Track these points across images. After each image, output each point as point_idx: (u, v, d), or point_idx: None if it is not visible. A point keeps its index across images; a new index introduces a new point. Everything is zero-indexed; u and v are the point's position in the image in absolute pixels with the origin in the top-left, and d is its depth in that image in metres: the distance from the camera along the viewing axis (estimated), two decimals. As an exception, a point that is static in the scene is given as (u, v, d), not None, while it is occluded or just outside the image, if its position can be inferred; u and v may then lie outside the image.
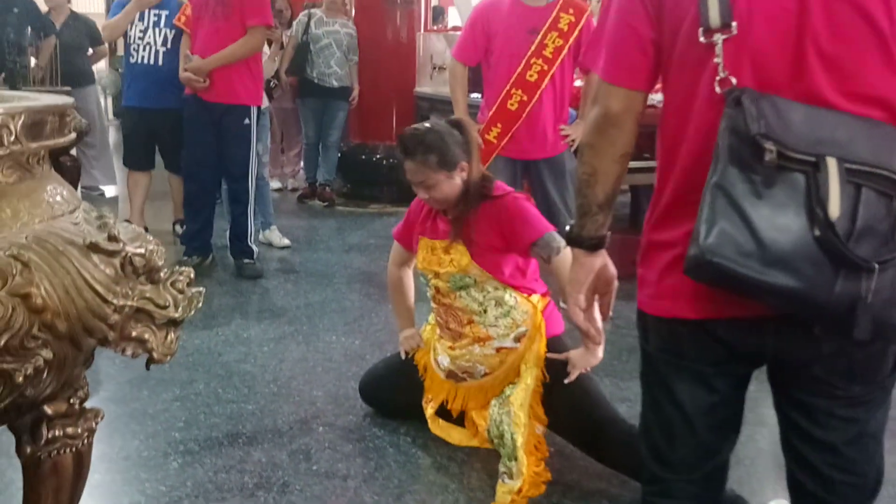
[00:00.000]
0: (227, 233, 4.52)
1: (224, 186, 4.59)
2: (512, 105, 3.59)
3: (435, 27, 7.40)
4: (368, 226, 5.76)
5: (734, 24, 1.17)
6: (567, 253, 2.27)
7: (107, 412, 2.48)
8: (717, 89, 1.17)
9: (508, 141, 3.64)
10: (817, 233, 1.09)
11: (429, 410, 2.59)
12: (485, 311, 2.41)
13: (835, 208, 1.09)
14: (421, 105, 6.41)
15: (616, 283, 1.44)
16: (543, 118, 3.61)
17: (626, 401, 2.88)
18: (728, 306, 1.21)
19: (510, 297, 2.41)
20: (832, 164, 1.11)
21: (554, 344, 2.40)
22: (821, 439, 1.32)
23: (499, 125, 3.63)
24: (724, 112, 1.15)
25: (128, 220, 5.12)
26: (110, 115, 12.24)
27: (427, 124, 2.47)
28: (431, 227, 2.52)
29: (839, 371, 1.26)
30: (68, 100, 1.36)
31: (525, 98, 3.57)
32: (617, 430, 2.32)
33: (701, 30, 1.18)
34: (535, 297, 2.45)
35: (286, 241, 5.03)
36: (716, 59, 1.17)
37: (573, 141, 3.71)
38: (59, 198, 1.30)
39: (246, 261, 4.45)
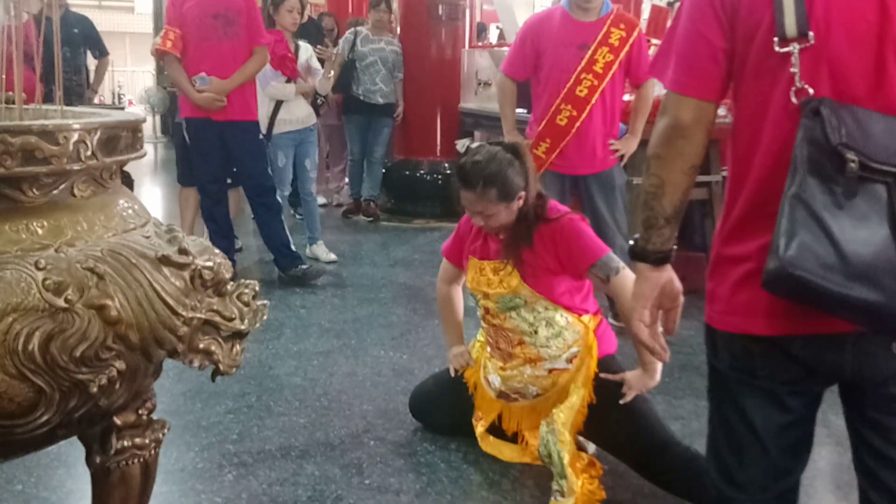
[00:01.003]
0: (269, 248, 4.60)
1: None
2: (561, 120, 3.57)
3: (479, 43, 7.42)
4: (412, 241, 5.78)
5: (811, 33, 1.14)
6: (625, 274, 2.24)
7: (161, 425, 2.45)
8: (794, 99, 1.15)
9: (557, 156, 3.61)
10: None
11: (479, 428, 2.57)
12: (535, 332, 2.39)
13: None
14: (466, 121, 6.42)
15: (682, 299, 1.41)
16: (593, 133, 3.58)
17: (679, 419, 2.84)
18: (804, 322, 1.18)
19: (561, 317, 2.38)
20: None
21: (606, 363, 2.37)
22: None
23: (548, 140, 3.61)
24: (800, 122, 1.13)
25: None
26: (158, 133, 12.52)
27: (486, 151, 2.34)
28: (482, 248, 2.49)
29: None
30: (140, 115, 1.39)
31: (575, 113, 3.54)
32: (672, 454, 2.27)
33: (776, 39, 1.16)
34: (587, 317, 2.41)
35: (332, 256, 5.07)
36: (792, 69, 1.15)
37: (622, 156, 3.69)
38: (130, 211, 1.32)
39: (301, 267, 4.54)
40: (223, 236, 4.50)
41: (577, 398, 2.34)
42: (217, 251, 1.36)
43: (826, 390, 1.35)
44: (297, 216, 5.79)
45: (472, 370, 2.64)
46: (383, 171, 6.41)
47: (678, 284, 1.39)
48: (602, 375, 2.32)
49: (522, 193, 2.34)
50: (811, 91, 1.15)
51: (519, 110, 3.91)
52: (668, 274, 1.37)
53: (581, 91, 3.54)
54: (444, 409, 2.72)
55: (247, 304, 1.37)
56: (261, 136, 4.44)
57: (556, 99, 3.56)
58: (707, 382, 1.40)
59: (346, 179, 6.81)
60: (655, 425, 2.34)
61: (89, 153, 1.20)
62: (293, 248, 4.59)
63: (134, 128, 1.32)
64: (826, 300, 1.09)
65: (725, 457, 1.37)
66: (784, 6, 1.15)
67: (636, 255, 1.38)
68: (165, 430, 1.46)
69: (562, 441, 2.28)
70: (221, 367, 1.36)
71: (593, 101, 3.54)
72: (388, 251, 5.46)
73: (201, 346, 1.33)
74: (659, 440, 2.31)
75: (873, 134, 1.10)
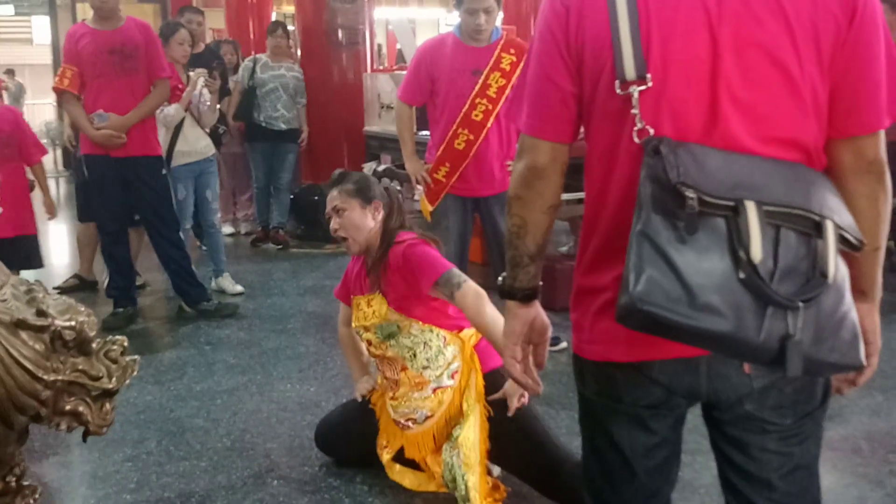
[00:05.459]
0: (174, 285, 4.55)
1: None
2: (459, 144, 3.62)
3: (396, 67, 7.42)
4: (323, 267, 5.73)
5: (649, 75, 1.19)
6: (467, 287, 2.31)
7: (56, 477, 2.43)
8: (636, 139, 1.20)
9: (457, 179, 3.67)
10: (741, 275, 1.10)
11: (385, 456, 2.57)
12: (414, 356, 2.45)
13: (757, 250, 1.11)
14: (371, 144, 6.43)
15: (550, 333, 1.44)
16: (490, 156, 3.65)
17: (582, 434, 2.89)
18: (661, 348, 1.22)
19: (437, 336, 2.45)
20: (751, 207, 1.12)
21: (493, 377, 2.42)
22: (756, 474, 1.33)
23: (447, 164, 3.66)
24: (643, 161, 1.17)
25: (77, 274, 5.05)
26: (60, 167, 12.08)
27: None
28: (359, 285, 2.60)
29: (770, 406, 1.28)
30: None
31: (472, 137, 3.60)
32: (570, 472, 2.30)
33: (617, 82, 1.21)
34: (467, 332, 2.48)
35: (239, 288, 4.98)
36: (633, 111, 1.20)
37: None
38: (-15, 274, 1.28)
39: (212, 301, 4.53)
40: (123, 275, 4.41)
41: (475, 415, 2.37)
42: (82, 308, 1.33)
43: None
44: (202, 248, 5.67)
45: (378, 393, 2.66)
46: (291, 197, 6.35)
47: (546, 319, 1.42)
48: (488, 399, 2.37)
49: (379, 204, 2.51)
50: (651, 131, 1.19)
51: (423, 132, 3.94)
52: (536, 310, 1.40)
53: (476, 115, 3.60)
54: (351, 438, 2.71)
55: (115, 361, 1.34)
56: (164, 172, 4.36)
57: (452, 124, 3.61)
58: (578, 411, 1.44)
59: (254, 207, 6.71)
60: (549, 444, 2.39)
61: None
62: (200, 281, 4.54)
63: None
64: (676, 331, 1.12)
65: (598, 482, 1.41)
66: (623, 50, 1.20)
67: (504, 294, 1.40)
68: (37, 496, 1.42)
69: (467, 465, 2.30)
70: (91, 427, 1.33)
71: (489, 125, 3.60)
72: (298, 279, 5.40)
73: (68, 407, 1.30)
74: (555, 459, 2.36)
75: (710, 169, 1.15)
